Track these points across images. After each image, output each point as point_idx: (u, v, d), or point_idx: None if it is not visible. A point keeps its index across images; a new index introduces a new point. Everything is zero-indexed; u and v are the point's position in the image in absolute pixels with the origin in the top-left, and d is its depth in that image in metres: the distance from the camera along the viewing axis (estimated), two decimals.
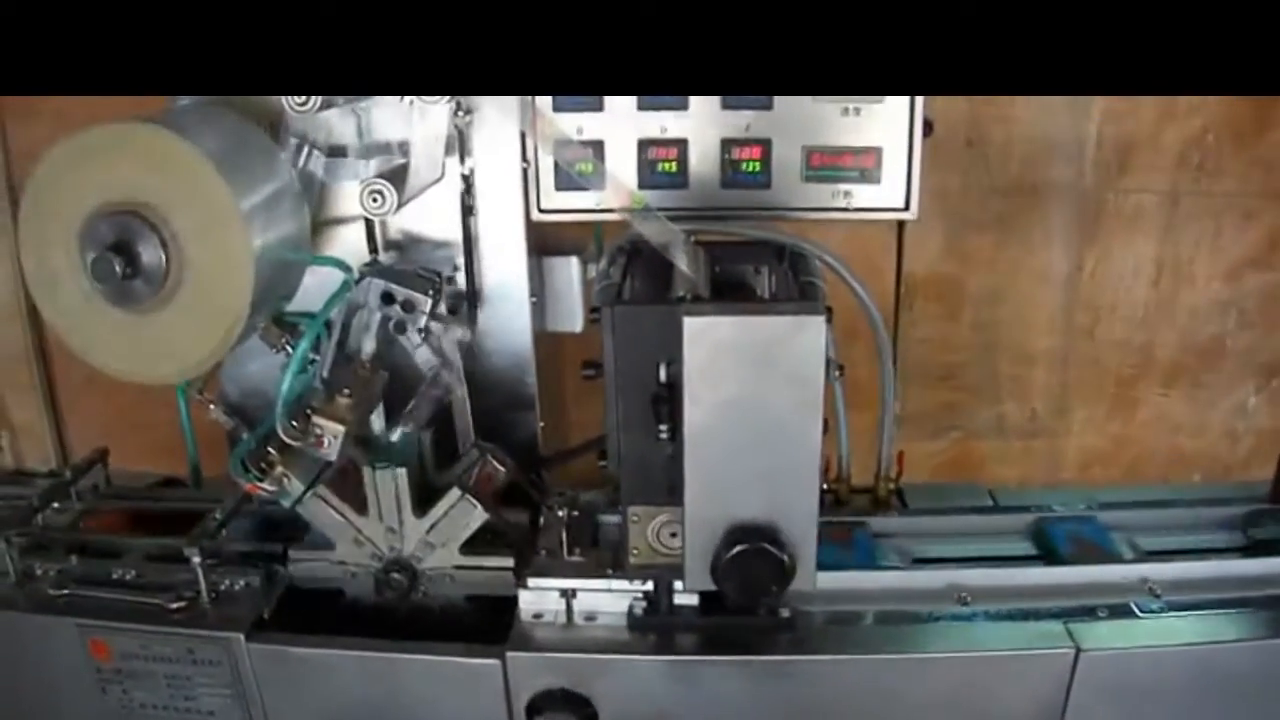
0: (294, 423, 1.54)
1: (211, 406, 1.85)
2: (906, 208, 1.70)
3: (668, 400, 1.43)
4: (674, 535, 1.52)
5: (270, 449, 1.61)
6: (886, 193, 1.69)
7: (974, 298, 2.65)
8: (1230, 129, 2.52)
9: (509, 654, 1.56)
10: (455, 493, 1.62)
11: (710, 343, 1.36)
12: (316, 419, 1.52)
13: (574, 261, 1.85)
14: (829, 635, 1.59)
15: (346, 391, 1.55)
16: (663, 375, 1.44)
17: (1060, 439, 2.77)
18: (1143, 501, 1.87)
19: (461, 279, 1.75)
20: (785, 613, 1.58)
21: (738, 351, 1.36)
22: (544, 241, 1.82)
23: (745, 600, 1.47)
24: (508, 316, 1.79)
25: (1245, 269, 2.62)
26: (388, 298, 1.63)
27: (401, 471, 1.61)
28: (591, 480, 1.85)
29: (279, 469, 1.59)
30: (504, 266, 1.76)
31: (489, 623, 1.64)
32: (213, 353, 1.59)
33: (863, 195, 1.69)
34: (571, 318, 1.87)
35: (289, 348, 1.72)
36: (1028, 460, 2.77)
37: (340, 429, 1.52)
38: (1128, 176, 2.57)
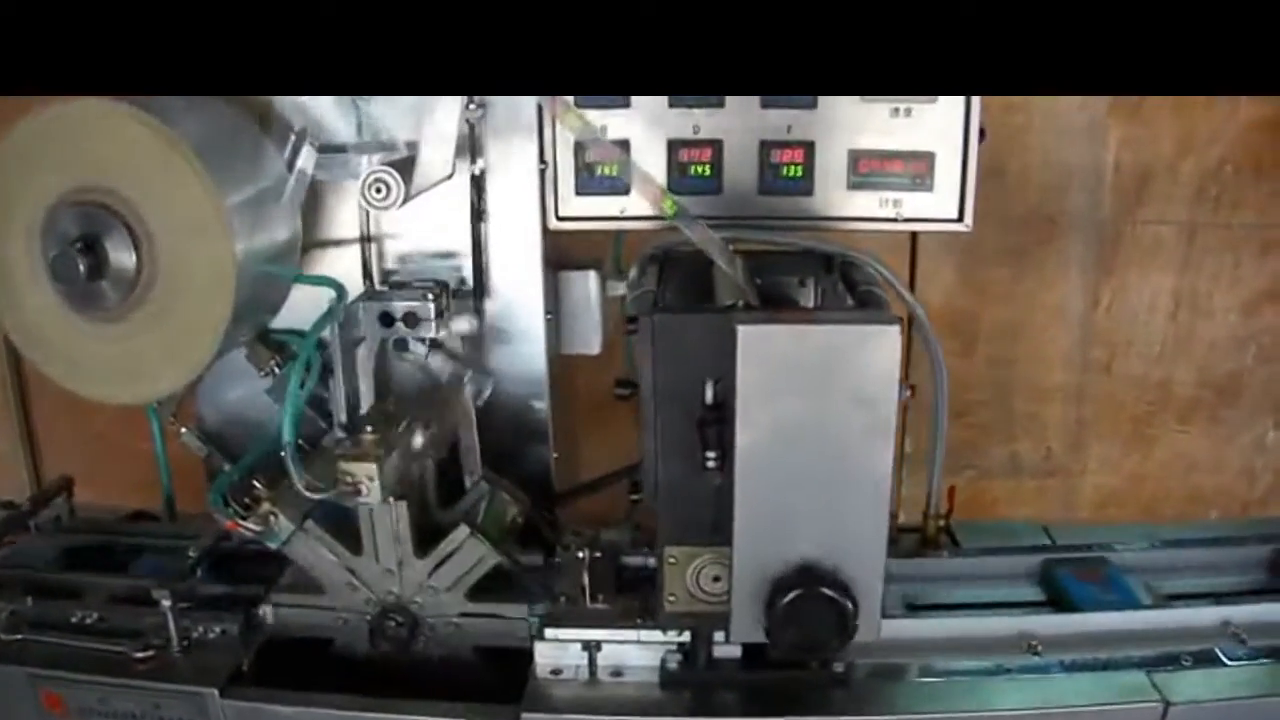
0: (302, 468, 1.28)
1: (183, 431, 1.58)
2: (960, 218, 1.46)
3: (715, 423, 1.18)
4: (717, 579, 1.27)
5: (256, 483, 1.34)
6: (939, 202, 1.46)
7: (988, 332, 2.43)
8: (1249, 160, 2.33)
9: (525, 715, 1.29)
10: (463, 530, 1.35)
11: (767, 356, 1.12)
12: (345, 465, 1.25)
13: (592, 276, 1.59)
14: (888, 692, 1.33)
15: (369, 429, 1.28)
16: (710, 395, 1.19)
17: (1075, 478, 2.54)
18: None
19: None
20: (839, 667, 1.32)
21: (799, 366, 1.13)
22: (559, 254, 1.56)
23: (801, 654, 1.21)
24: (519, 336, 1.53)
25: (1263, 302, 2.42)
26: (386, 319, 1.38)
27: (401, 505, 1.33)
28: (608, 519, 1.60)
29: (265, 506, 1.33)
30: (516, 280, 1.52)
31: (500, 679, 1.37)
32: (189, 370, 1.34)
33: (913, 204, 1.46)
34: (588, 339, 1.61)
35: (276, 369, 1.46)
36: (1041, 499, 2.54)
37: (374, 468, 1.24)
38: (1145, 207, 2.37)
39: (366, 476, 1.25)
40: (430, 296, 1.37)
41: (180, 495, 1.72)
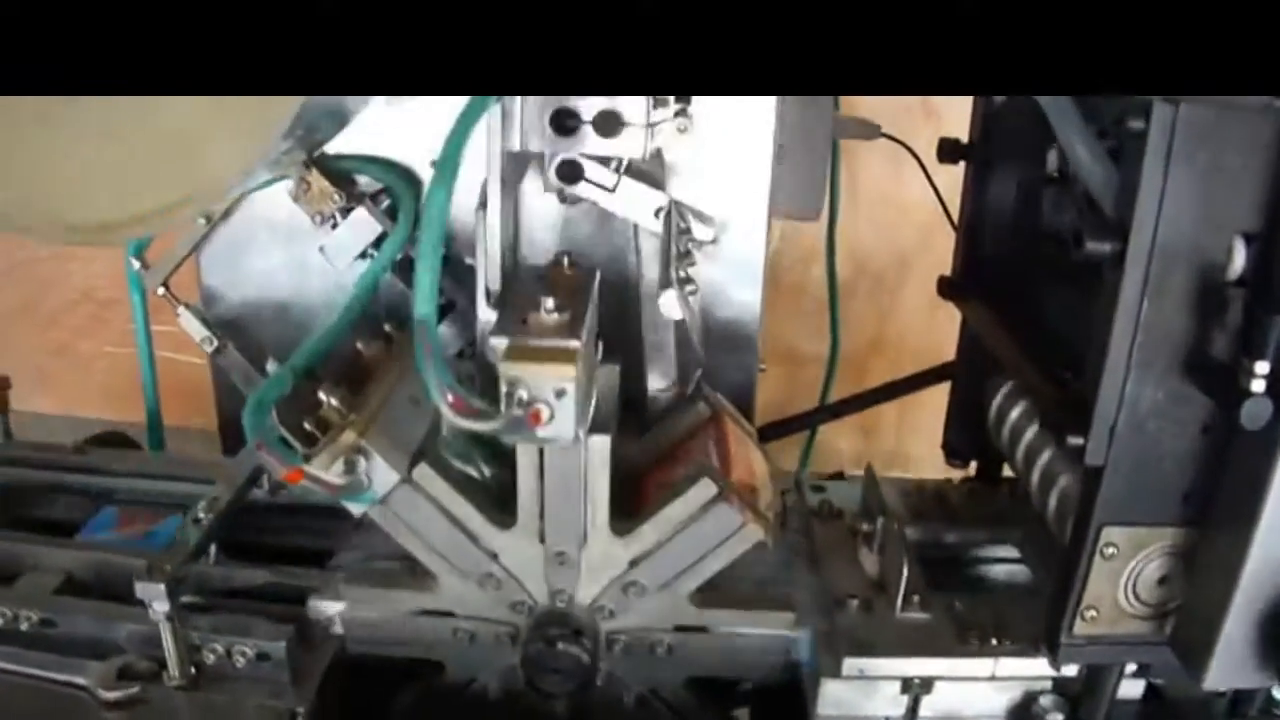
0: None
1: (182, 310, 0.90)
2: None
3: (1258, 303, 0.55)
4: (1163, 581, 0.65)
5: (324, 396, 0.68)
6: None
7: None
8: None
9: None
10: (708, 487, 0.69)
11: None
12: (514, 367, 0.60)
13: (826, 103, 0.93)
14: None
15: (549, 298, 0.64)
16: (1239, 261, 0.56)
17: None
18: None
19: None
20: None
21: None
22: None
23: None
24: (733, 181, 0.87)
25: None
26: (562, 123, 0.71)
27: (601, 441, 0.68)
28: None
29: (349, 436, 0.66)
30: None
31: None
32: (213, 183, 0.67)
33: None
34: (809, 195, 0.96)
35: (338, 215, 0.81)
36: None
37: (569, 371, 0.60)
38: None
39: (555, 389, 0.60)
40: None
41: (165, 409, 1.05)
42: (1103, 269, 0.60)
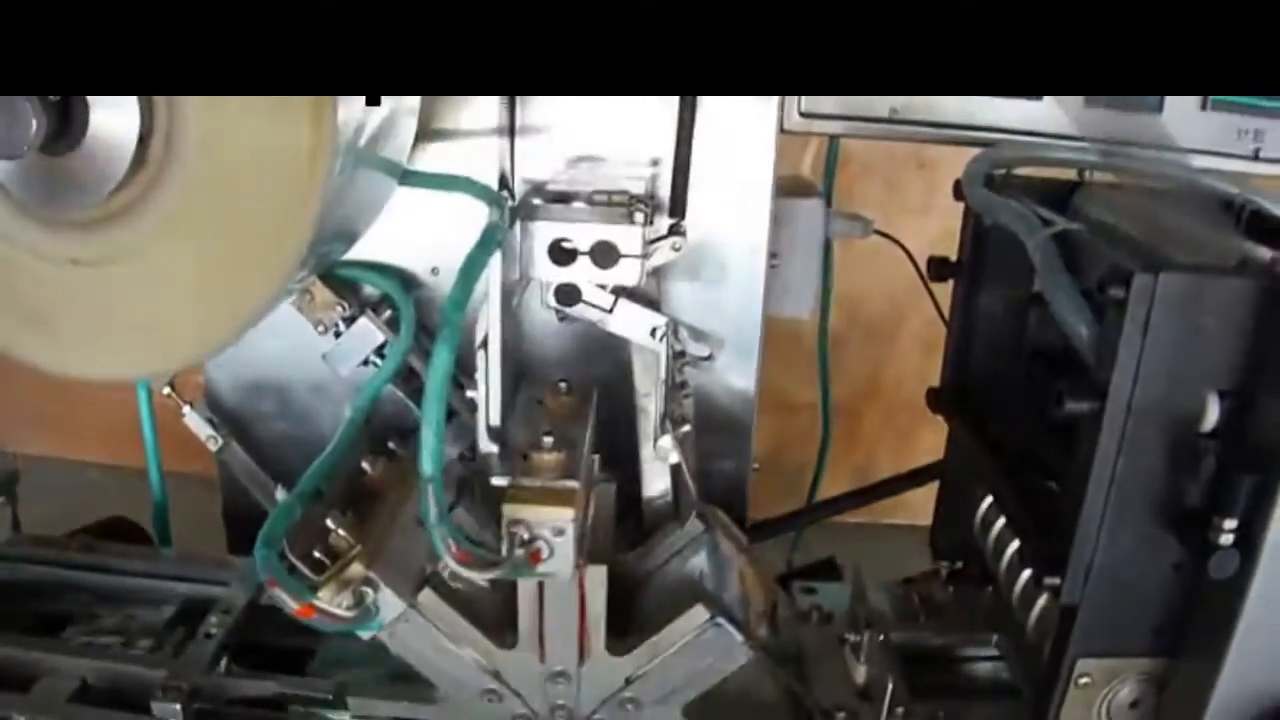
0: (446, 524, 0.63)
1: (187, 409, 0.93)
2: None
3: (1229, 461, 0.59)
4: (1134, 705, 0.69)
5: (332, 525, 0.70)
6: None
7: None
8: None
9: None
10: (700, 613, 0.72)
11: None
12: (516, 509, 0.63)
13: (818, 207, 0.97)
14: None
15: (548, 437, 0.67)
16: (1213, 415, 0.59)
17: None
18: None
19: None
20: None
21: None
22: None
23: None
24: (720, 286, 0.91)
25: None
26: (561, 252, 0.74)
27: (598, 573, 0.71)
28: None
29: (356, 568, 0.69)
30: (728, 201, 0.88)
31: None
32: (224, 329, 0.69)
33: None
34: (802, 296, 0.99)
35: (341, 323, 0.83)
36: None
37: (570, 515, 0.63)
38: None
39: (555, 528, 0.63)
40: (634, 213, 0.75)
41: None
42: (1080, 425, 0.63)
